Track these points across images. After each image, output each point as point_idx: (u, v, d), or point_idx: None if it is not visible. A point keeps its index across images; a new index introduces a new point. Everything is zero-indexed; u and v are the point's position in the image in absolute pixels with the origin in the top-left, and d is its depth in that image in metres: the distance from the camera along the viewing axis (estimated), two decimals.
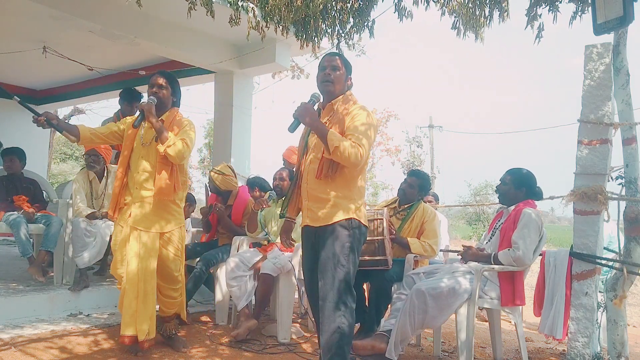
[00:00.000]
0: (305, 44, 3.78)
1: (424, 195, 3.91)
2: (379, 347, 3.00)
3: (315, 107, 2.52)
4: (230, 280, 3.69)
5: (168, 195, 2.93)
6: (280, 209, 4.01)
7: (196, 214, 5.56)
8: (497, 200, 3.45)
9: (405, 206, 3.79)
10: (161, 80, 3.05)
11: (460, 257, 3.33)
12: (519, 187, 3.25)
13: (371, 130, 2.43)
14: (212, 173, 4.29)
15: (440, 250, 4.39)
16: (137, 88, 5.78)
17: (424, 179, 3.85)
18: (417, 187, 3.78)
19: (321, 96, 2.56)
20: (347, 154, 2.30)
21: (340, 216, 2.43)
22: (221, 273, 3.93)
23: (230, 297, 3.87)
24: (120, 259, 2.98)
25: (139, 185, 2.97)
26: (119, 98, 5.24)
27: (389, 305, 3.40)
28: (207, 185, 4.66)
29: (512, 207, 3.24)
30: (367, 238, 3.38)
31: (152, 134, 2.97)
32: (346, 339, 2.35)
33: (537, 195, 3.28)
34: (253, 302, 3.77)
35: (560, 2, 3.11)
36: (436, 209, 5.29)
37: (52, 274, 4.10)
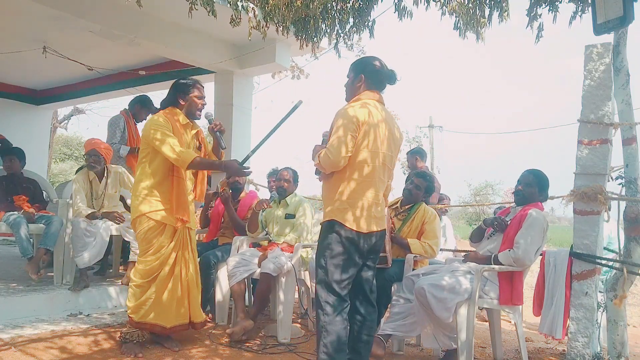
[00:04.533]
0: (305, 44, 3.78)
1: (428, 197, 3.91)
2: (375, 353, 3.00)
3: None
4: (230, 279, 3.69)
5: (203, 195, 3.48)
6: (281, 210, 4.05)
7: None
8: (496, 200, 3.47)
9: (407, 207, 3.79)
10: None
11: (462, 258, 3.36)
12: (542, 190, 3.25)
13: (340, 129, 2.43)
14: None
15: (442, 250, 4.39)
16: (137, 88, 5.79)
17: (430, 181, 3.85)
18: (423, 189, 3.78)
19: (327, 135, 2.64)
20: (323, 163, 2.45)
21: (325, 217, 2.50)
22: (221, 273, 3.93)
23: (231, 297, 3.87)
24: (169, 258, 3.08)
25: (188, 190, 3.23)
26: (133, 98, 5.27)
27: (389, 305, 3.40)
28: (219, 184, 4.69)
29: (520, 207, 3.23)
30: None
31: (193, 144, 3.25)
32: (328, 337, 2.37)
33: (546, 197, 3.29)
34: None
35: (560, 2, 3.10)
36: (446, 211, 5.30)
37: (44, 273, 4.08)
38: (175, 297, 3.09)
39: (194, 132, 3.25)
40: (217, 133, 3.23)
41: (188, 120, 3.19)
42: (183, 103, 3.15)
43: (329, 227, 2.46)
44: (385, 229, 2.61)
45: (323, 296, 2.42)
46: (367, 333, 2.55)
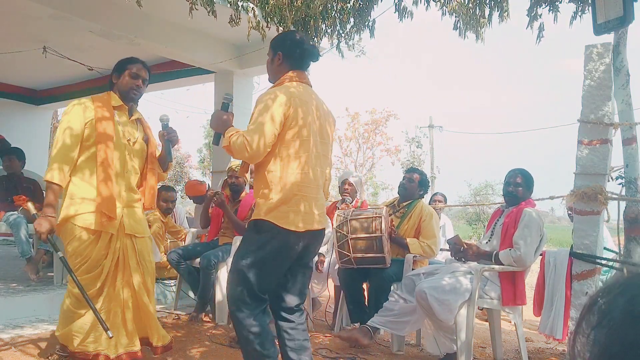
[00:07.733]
0: None
1: (425, 192, 3.93)
2: (362, 342, 3.03)
3: (230, 108, 2.32)
4: None
5: (154, 201, 2.80)
6: None
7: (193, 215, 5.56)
8: (496, 200, 3.47)
9: (404, 204, 3.80)
10: None
11: (459, 254, 3.32)
12: (529, 188, 3.30)
13: (264, 114, 2.09)
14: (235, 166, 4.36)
15: (442, 250, 4.39)
16: None
17: (423, 174, 3.94)
18: (417, 182, 3.80)
19: (231, 96, 2.39)
20: (234, 148, 2.09)
21: (255, 215, 2.18)
22: (221, 273, 3.92)
23: None
24: (102, 273, 2.47)
25: (129, 187, 2.60)
26: None
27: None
28: (221, 185, 4.71)
29: (512, 207, 3.25)
30: (366, 236, 3.39)
31: (137, 133, 2.68)
32: (251, 345, 2.12)
33: (531, 193, 3.35)
34: None
35: (560, 2, 3.11)
36: (442, 209, 5.30)
37: (43, 274, 4.09)
38: (116, 321, 2.48)
39: (134, 117, 2.70)
40: (167, 142, 2.77)
41: (122, 103, 2.62)
42: (115, 82, 2.63)
43: (259, 226, 2.14)
44: (324, 229, 2.30)
45: (245, 299, 2.11)
46: (303, 338, 2.28)
